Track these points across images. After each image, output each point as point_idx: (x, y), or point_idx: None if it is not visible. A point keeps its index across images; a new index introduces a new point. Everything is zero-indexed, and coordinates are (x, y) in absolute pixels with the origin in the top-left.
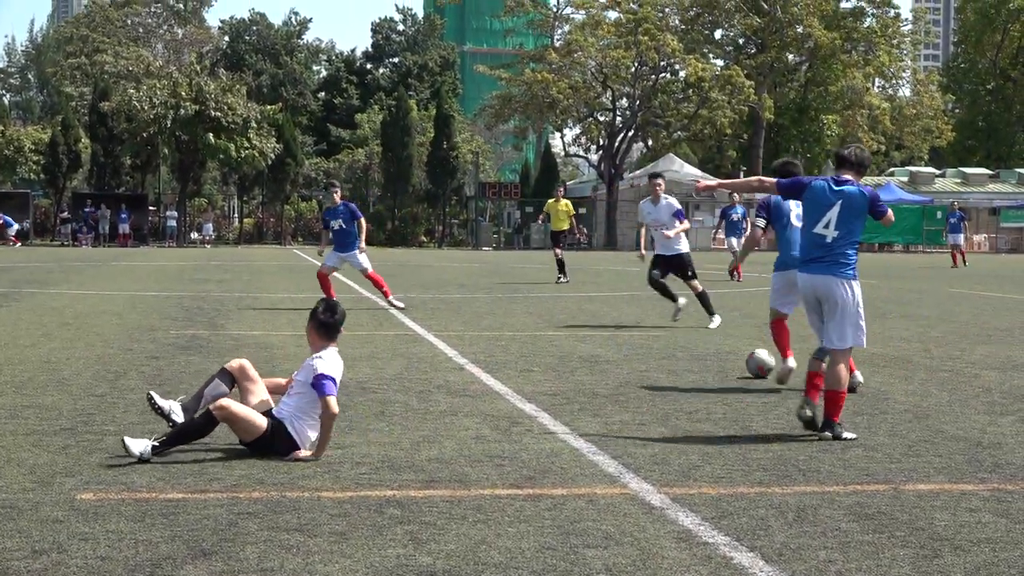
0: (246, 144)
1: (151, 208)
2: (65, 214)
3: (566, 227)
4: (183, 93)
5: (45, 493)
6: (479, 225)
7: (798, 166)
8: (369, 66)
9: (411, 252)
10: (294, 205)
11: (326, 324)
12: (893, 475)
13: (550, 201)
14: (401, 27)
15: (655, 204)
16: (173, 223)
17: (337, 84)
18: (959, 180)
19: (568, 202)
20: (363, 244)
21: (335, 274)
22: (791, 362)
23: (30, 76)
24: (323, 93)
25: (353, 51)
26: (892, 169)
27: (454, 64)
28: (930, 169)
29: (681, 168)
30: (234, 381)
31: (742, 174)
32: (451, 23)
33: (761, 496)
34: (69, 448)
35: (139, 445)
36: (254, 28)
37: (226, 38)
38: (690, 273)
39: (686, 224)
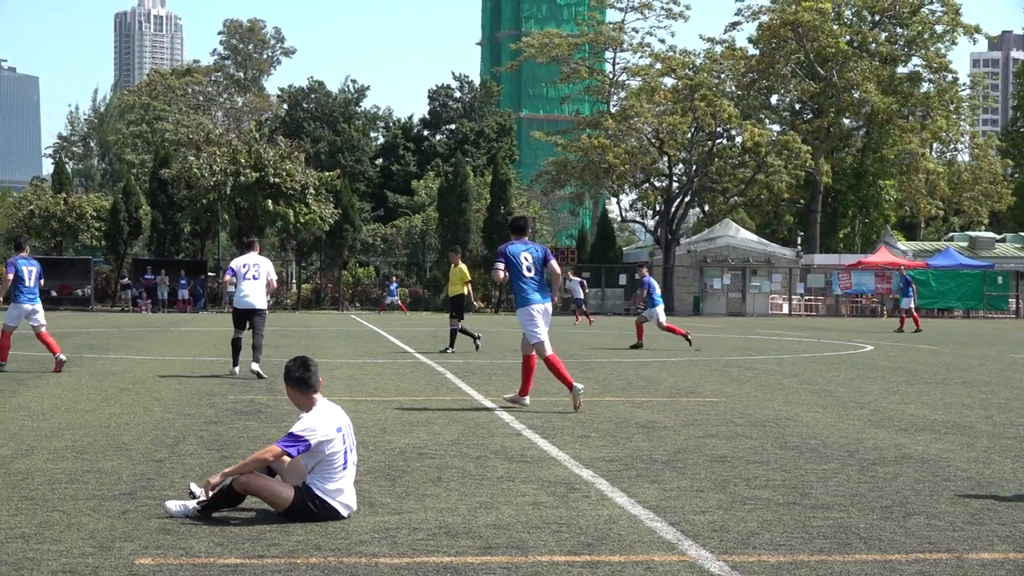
0: (304, 210)
1: (210, 274)
2: (125, 280)
3: (462, 292)
4: (242, 160)
5: (104, 558)
6: None
7: (527, 219)
8: (426, 132)
9: (469, 318)
10: (352, 271)
11: (302, 380)
12: (956, 544)
13: (452, 267)
14: (458, 94)
15: None
16: (232, 289)
17: (394, 150)
18: (1020, 245)
19: (464, 267)
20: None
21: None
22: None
23: (92, 144)
24: (380, 159)
25: (410, 118)
26: (952, 234)
27: (511, 130)
28: (990, 234)
29: (737, 233)
30: None
31: (799, 239)
32: (507, 90)
33: (822, 564)
34: (128, 513)
35: (178, 505)
36: (312, 96)
37: (285, 106)
38: None
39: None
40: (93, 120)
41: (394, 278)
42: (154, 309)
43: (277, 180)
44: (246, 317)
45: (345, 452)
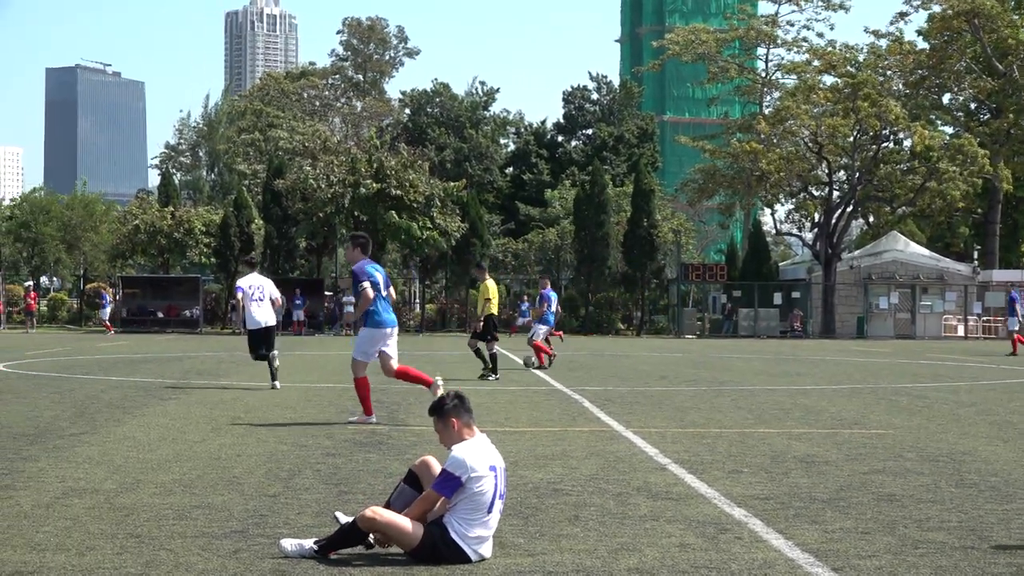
0: (428, 224)
1: (327, 293)
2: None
3: (494, 311)
4: (362, 170)
5: None
6: (681, 311)
7: (366, 237)
8: (561, 138)
9: (607, 340)
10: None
11: (456, 410)
12: None
13: (479, 284)
14: (595, 96)
15: None
16: (351, 309)
17: (526, 158)
18: None
19: (491, 283)
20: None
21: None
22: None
23: (201, 154)
24: (511, 168)
25: (543, 123)
26: None
27: (653, 135)
28: None
29: (906, 247)
30: (420, 483)
31: (976, 253)
32: (650, 91)
33: None
34: (240, 552)
35: (294, 544)
36: (437, 100)
37: (407, 111)
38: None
39: None
40: (202, 128)
41: (526, 298)
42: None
43: (399, 191)
44: (262, 338)
45: (494, 495)
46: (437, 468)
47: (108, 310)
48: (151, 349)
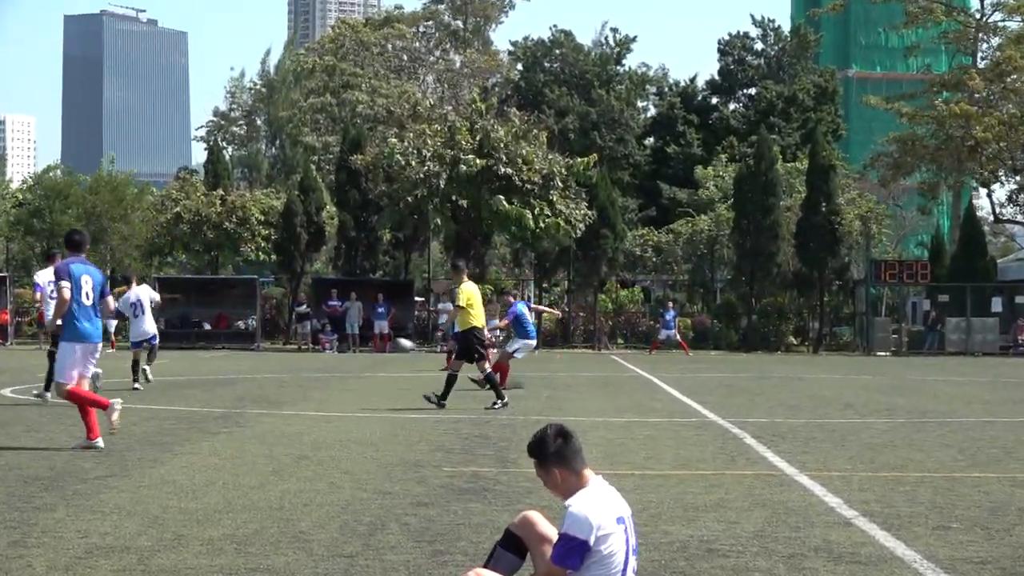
0: (547, 211)
1: (417, 299)
2: (303, 308)
3: (471, 323)
4: (462, 142)
5: None
6: (872, 321)
7: (83, 233)
8: (715, 100)
9: (775, 359)
10: (611, 293)
11: (561, 455)
12: None
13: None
14: (759, 46)
15: None
16: (446, 319)
17: (671, 126)
18: None
19: (469, 287)
20: None
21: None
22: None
23: (259, 122)
24: (651, 138)
25: (693, 80)
26: None
27: (834, 95)
28: None
29: None
30: (523, 546)
31: None
32: (829, 39)
33: None
34: None
35: None
36: (557, 52)
37: (519, 66)
38: None
39: None
40: (260, 90)
41: (671, 304)
42: (341, 347)
43: (509, 170)
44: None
45: (627, 553)
46: (544, 527)
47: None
48: (196, 369)
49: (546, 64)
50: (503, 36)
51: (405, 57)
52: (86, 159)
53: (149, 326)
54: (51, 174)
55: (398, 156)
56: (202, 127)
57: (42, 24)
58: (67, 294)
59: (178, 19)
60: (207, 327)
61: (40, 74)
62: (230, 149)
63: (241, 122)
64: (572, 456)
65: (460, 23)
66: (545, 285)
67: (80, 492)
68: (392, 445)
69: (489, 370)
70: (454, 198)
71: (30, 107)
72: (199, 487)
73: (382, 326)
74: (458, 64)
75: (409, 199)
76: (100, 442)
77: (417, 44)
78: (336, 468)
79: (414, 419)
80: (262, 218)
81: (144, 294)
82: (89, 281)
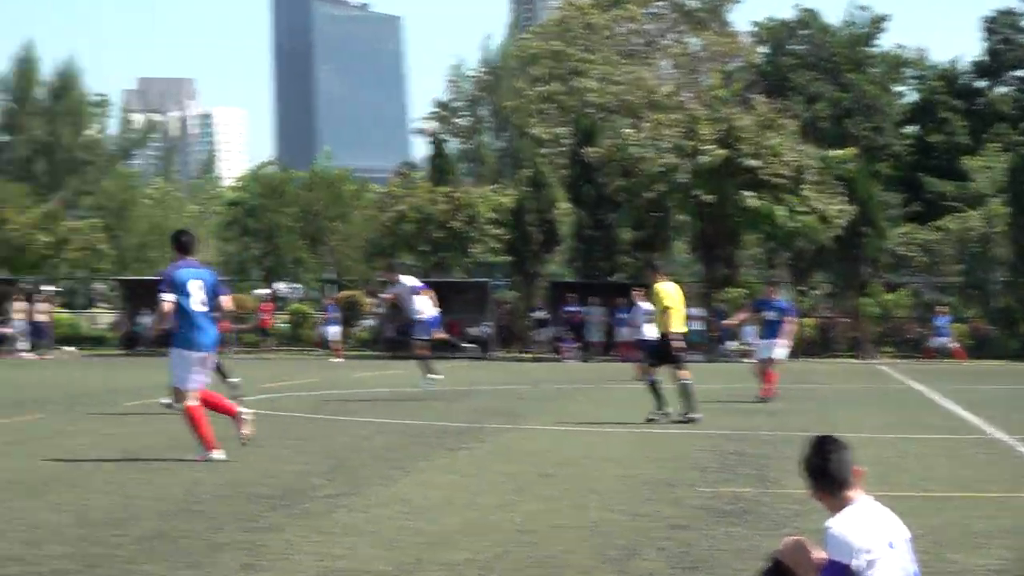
0: (800, 207)
1: None
2: (540, 313)
3: (669, 327)
4: (703, 132)
5: None
6: None
7: (191, 234)
8: (982, 84)
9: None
10: (875, 297)
11: (820, 470)
12: None
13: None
14: None
15: None
16: (697, 326)
17: (932, 112)
18: None
19: (666, 287)
20: None
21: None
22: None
23: (482, 112)
24: (912, 126)
25: (955, 62)
26: None
27: None
28: None
29: None
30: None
31: None
32: None
33: None
34: None
35: None
36: (803, 33)
37: (763, 48)
38: None
39: None
40: (484, 78)
41: (943, 309)
42: (584, 356)
43: (756, 162)
44: None
45: None
46: (815, 554)
47: (337, 328)
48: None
49: (791, 46)
50: (743, 16)
51: (639, 40)
52: (299, 153)
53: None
54: (265, 170)
55: (634, 148)
56: (422, 118)
57: (249, 11)
58: (167, 307)
59: (392, 2)
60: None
61: (250, 64)
62: (455, 143)
63: (464, 113)
64: (835, 471)
65: (696, 2)
66: (802, 288)
67: (310, 511)
68: (641, 462)
69: (653, 377)
70: (696, 193)
71: (241, 100)
72: (435, 507)
73: (624, 333)
74: (695, 47)
75: (648, 194)
76: (218, 454)
77: (649, 26)
78: (582, 487)
79: (664, 434)
80: (492, 216)
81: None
82: (199, 285)
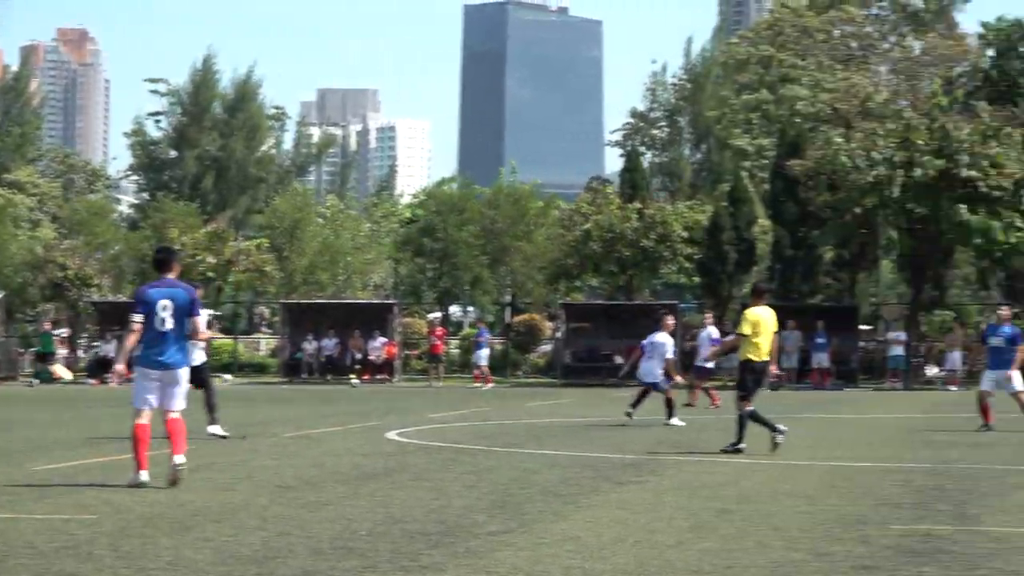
0: (1018, 222)
1: (863, 327)
2: (729, 338)
3: (751, 354)
4: (920, 142)
5: None
6: None
7: (169, 250)
8: None
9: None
10: None
11: None
12: None
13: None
14: None
15: None
16: (899, 351)
17: None
18: None
19: (754, 313)
20: None
21: None
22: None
23: (682, 123)
24: None
25: None
26: None
27: None
28: None
29: None
30: None
31: None
32: None
33: None
34: None
35: None
36: None
37: (990, 51)
38: None
39: None
40: (685, 86)
41: None
42: (773, 384)
43: (974, 173)
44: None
45: None
46: None
47: (486, 352)
48: (604, 410)
49: (1023, 49)
50: (972, 17)
51: (854, 44)
52: (484, 168)
53: None
54: (446, 186)
55: (844, 158)
56: (617, 130)
57: (439, 16)
58: (135, 328)
59: (593, 6)
60: (618, 360)
61: (436, 72)
62: (650, 155)
63: (662, 123)
64: None
65: (920, 2)
66: (1018, 310)
67: (472, 550)
68: (830, 498)
69: (749, 409)
70: (909, 206)
71: (426, 110)
72: (607, 545)
73: (821, 359)
74: (917, 51)
75: (856, 210)
76: (143, 476)
77: (869, 28)
78: (765, 524)
79: (855, 468)
80: (685, 234)
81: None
82: (168, 305)
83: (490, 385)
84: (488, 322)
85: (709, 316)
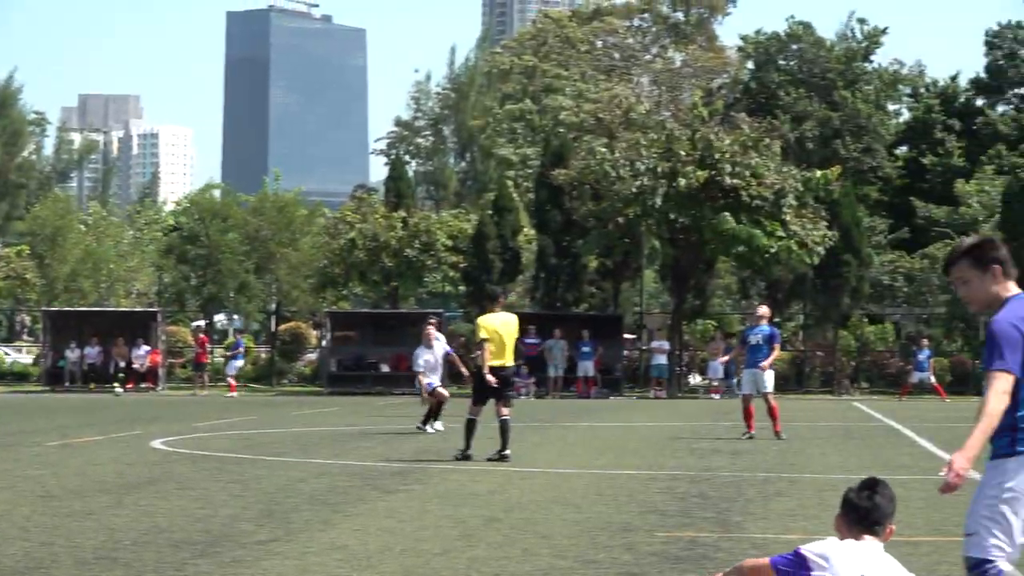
0: (780, 232)
1: (628, 336)
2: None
3: (499, 360)
4: (682, 152)
5: None
6: None
7: None
8: (981, 102)
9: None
10: (856, 329)
11: (855, 506)
12: None
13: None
14: None
15: None
16: (663, 359)
17: (928, 133)
18: None
19: (489, 320)
20: None
21: None
22: None
23: (446, 132)
24: (904, 147)
25: (954, 79)
26: None
27: None
28: None
29: None
30: None
31: None
32: None
33: None
34: None
35: None
36: (794, 48)
37: (749, 64)
38: None
39: None
40: (449, 95)
41: (925, 341)
42: (539, 392)
43: (736, 182)
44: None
45: None
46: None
47: (239, 363)
48: (371, 419)
49: (781, 62)
50: (731, 30)
51: (617, 55)
52: (249, 175)
53: None
54: (209, 193)
55: (607, 168)
56: (381, 139)
57: (201, 23)
58: None
59: (356, 15)
60: (385, 369)
61: (199, 80)
62: (414, 163)
63: (427, 132)
64: (848, 509)
65: (681, 14)
66: (777, 319)
67: (239, 559)
68: (596, 505)
69: (471, 417)
70: (672, 216)
71: (189, 117)
72: (374, 554)
73: (587, 367)
74: (678, 63)
75: (620, 219)
76: None
77: (631, 40)
78: (532, 532)
79: (621, 475)
80: (449, 243)
81: None
82: None
83: (233, 393)
84: (254, 331)
85: (433, 322)
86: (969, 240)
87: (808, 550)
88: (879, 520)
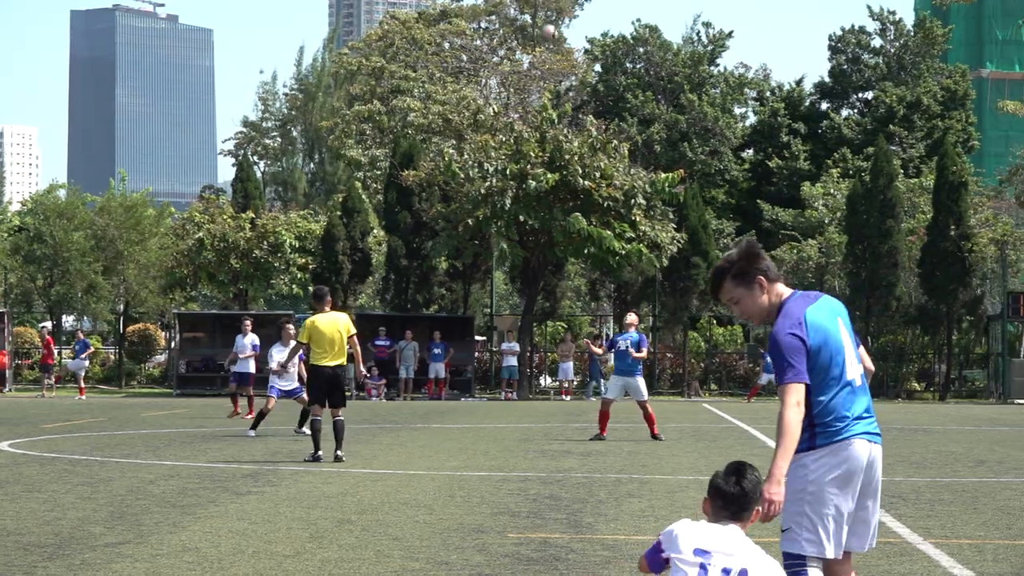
0: (628, 233)
1: (479, 338)
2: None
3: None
4: (531, 154)
5: None
6: (1008, 363)
7: None
8: (825, 106)
9: (895, 407)
10: (704, 331)
11: (721, 492)
12: None
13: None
14: (878, 42)
15: None
16: (513, 361)
17: (773, 136)
18: None
19: (316, 320)
20: None
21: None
22: None
23: (294, 133)
24: (750, 151)
25: (799, 83)
26: None
27: (965, 100)
28: None
29: None
30: None
31: None
32: (960, 34)
33: None
34: None
35: None
36: (641, 51)
37: (597, 67)
38: None
39: None
40: (296, 96)
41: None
42: (390, 394)
43: (587, 183)
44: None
45: None
46: None
47: (86, 364)
48: (222, 420)
49: (628, 65)
50: (578, 33)
51: (464, 57)
52: (96, 176)
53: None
54: (54, 194)
55: (456, 170)
56: (229, 139)
57: (46, 22)
58: None
59: (202, 14)
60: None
61: (44, 79)
62: (262, 164)
63: (274, 133)
64: (714, 495)
65: (528, 17)
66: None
67: (88, 562)
68: (449, 507)
69: (315, 417)
70: (521, 218)
71: (33, 116)
72: (225, 556)
73: (438, 369)
74: (526, 65)
75: (469, 221)
76: None
77: (478, 42)
78: (384, 534)
79: (473, 477)
80: (298, 244)
81: None
82: None
83: (83, 397)
84: (103, 332)
85: (248, 323)
86: (725, 257)
87: (662, 533)
88: (746, 507)
